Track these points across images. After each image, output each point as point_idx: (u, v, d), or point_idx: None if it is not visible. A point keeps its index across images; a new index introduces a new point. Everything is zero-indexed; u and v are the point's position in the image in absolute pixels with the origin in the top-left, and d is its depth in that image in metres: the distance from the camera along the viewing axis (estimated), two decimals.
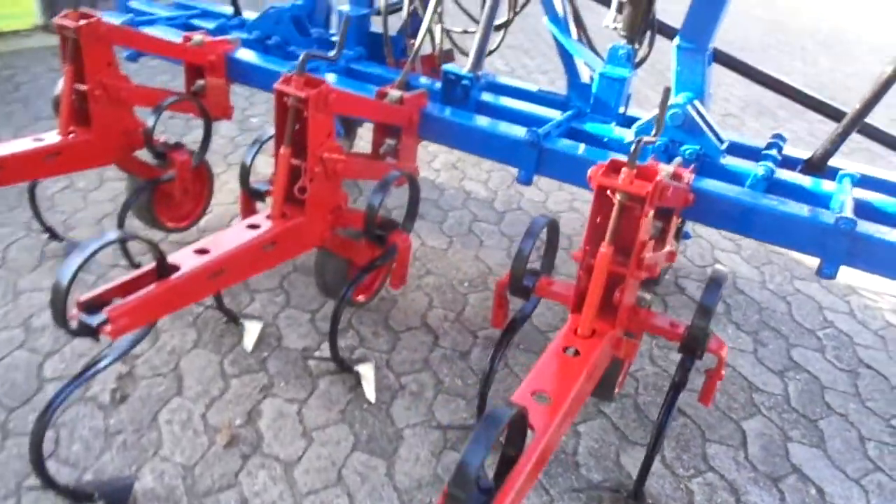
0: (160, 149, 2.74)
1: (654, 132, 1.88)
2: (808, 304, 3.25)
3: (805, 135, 5.75)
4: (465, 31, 3.45)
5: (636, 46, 2.73)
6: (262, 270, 2.22)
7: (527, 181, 2.55)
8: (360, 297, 2.82)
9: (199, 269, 1.89)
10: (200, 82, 3.02)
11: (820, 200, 2.38)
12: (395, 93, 2.60)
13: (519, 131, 2.54)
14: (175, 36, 3.05)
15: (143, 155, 2.82)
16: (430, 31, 2.98)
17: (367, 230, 2.30)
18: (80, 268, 1.59)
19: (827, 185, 2.41)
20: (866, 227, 2.07)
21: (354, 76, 3.12)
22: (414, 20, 3.16)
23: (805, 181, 2.43)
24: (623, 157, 1.82)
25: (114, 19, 3.19)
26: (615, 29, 2.75)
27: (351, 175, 2.45)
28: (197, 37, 2.94)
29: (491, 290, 3.10)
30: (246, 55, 3.07)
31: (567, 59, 2.97)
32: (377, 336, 2.73)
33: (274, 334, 2.68)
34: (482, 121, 2.64)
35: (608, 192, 1.77)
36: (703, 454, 2.33)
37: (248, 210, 2.54)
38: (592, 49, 2.96)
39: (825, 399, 2.65)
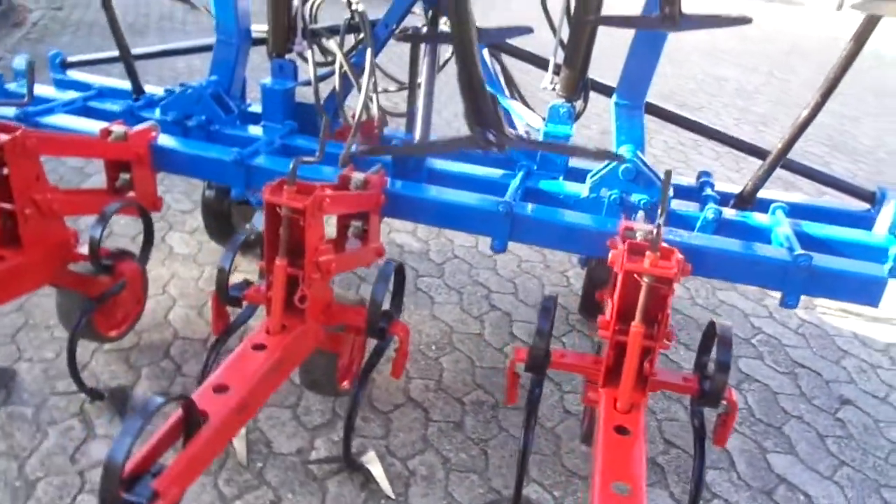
0: (107, 261, 2.50)
1: (660, 214, 2.00)
2: (734, 314, 3.59)
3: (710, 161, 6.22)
4: (402, 88, 3.44)
5: (574, 105, 2.87)
6: (274, 391, 2.10)
7: (501, 249, 2.61)
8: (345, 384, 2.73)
9: (229, 413, 1.75)
10: (125, 177, 2.78)
11: (762, 235, 2.66)
12: (358, 176, 2.55)
13: (487, 201, 2.59)
14: (89, 125, 2.79)
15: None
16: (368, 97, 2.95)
17: (369, 328, 2.25)
18: (132, 444, 1.43)
19: (762, 218, 2.70)
20: (820, 259, 2.34)
21: (293, 154, 2.99)
22: (345, 84, 3.11)
23: (746, 217, 2.70)
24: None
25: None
26: (553, 89, 2.88)
27: (338, 270, 2.38)
28: (117, 129, 2.70)
29: (458, 349, 3.13)
30: (171, 142, 2.87)
31: (506, 119, 3.06)
32: (368, 421, 2.66)
33: (261, 440, 2.53)
34: (448, 194, 2.65)
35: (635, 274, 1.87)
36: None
37: (222, 319, 2.39)
38: (528, 106, 3.08)
39: (780, 405, 2.95)
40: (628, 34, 2.65)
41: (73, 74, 3.60)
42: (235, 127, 3.10)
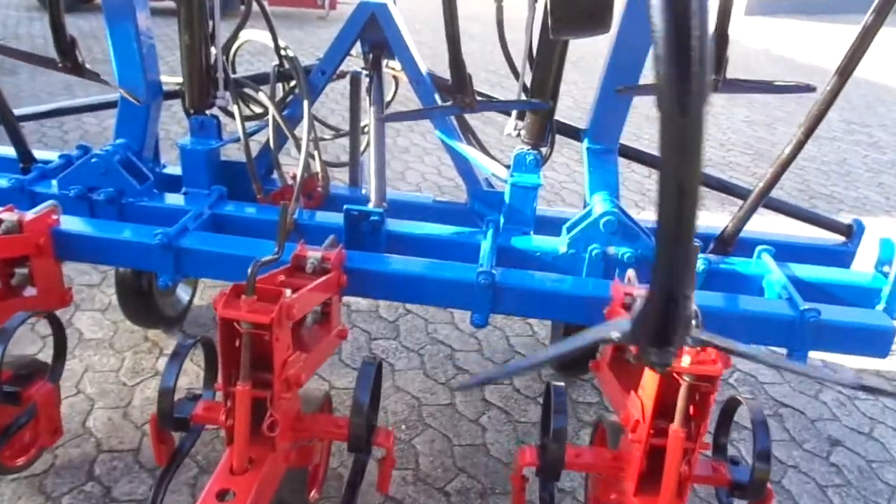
0: (10, 388, 2.02)
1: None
2: None
3: None
4: (338, 135, 3.09)
5: (541, 150, 2.63)
6: None
7: (483, 324, 2.31)
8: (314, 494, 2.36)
9: None
10: (21, 272, 2.29)
11: (752, 283, 2.50)
12: (313, 255, 2.19)
13: (463, 270, 2.29)
14: None
15: None
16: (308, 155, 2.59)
17: (352, 444, 1.90)
18: None
19: (750, 265, 2.54)
20: (828, 312, 2.19)
21: (226, 226, 2.60)
22: (280, 138, 2.73)
23: (735, 265, 2.53)
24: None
25: None
26: (518, 135, 2.63)
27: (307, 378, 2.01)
28: (7, 218, 2.21)
29: (431, 426, 2.81)
30: (77, 225, 2.41)
31: (463, 167, 2.79)
32: None
33: None
34: (418, 265, 2.34)
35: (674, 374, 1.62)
36: None
37: (166, 445, 1.97)
38: (488, 154, 2.80)
39: (774, 453, 2.81)
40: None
41: None
42: (153, 197, 2.65)
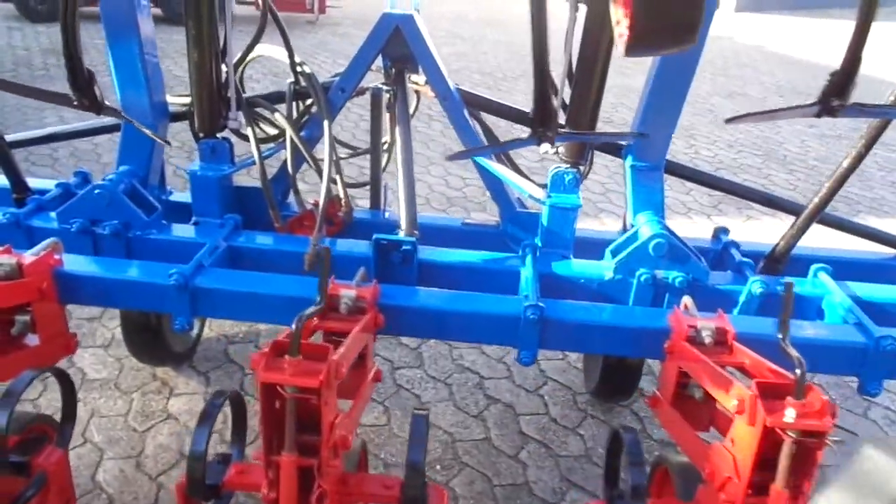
0: (18, 457, 1.80)
1: (782, 338, 1.60)
2: None
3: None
4: (355, 154, 2.89)
5: (580, 169, 2.45)
6: None
7: (531, 362, 2.13)
8: None
9: None
10: (22, 319, 2.08)
11: (811, 304, 2.34)
12: (347, 293, 1.99)
13: (509, 304, 2.11)
14: None
15: None
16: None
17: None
18: None
19: (808, 286, 2.38)
20: None
21: (244, 259, 2.39)
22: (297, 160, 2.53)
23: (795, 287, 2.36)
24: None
25: None
26: (556, 153, 2.44)
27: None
28: (6, 260, 2.00)
29: (468, 465, 2.63)
30: (82, 265, 2.20)
31: (495, 188, 2.60)
32: None
33: None
34: (460, 301, 2.15)
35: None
36: None
37: None
38: (522, 174, 2.62)
39: None
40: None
41: None
42: (162, 230, 2.44)
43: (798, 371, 1.46)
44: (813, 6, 18.82)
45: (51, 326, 2.12)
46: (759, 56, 12.20)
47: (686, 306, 2.09)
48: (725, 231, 2.70)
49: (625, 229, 2.69)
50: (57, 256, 2.14)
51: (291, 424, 1.46)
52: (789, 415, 1.41)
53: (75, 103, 2.15)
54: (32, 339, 2.12)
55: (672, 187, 5.48)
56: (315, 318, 1.87)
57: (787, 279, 2.42)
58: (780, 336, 1.62)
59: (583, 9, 2.22)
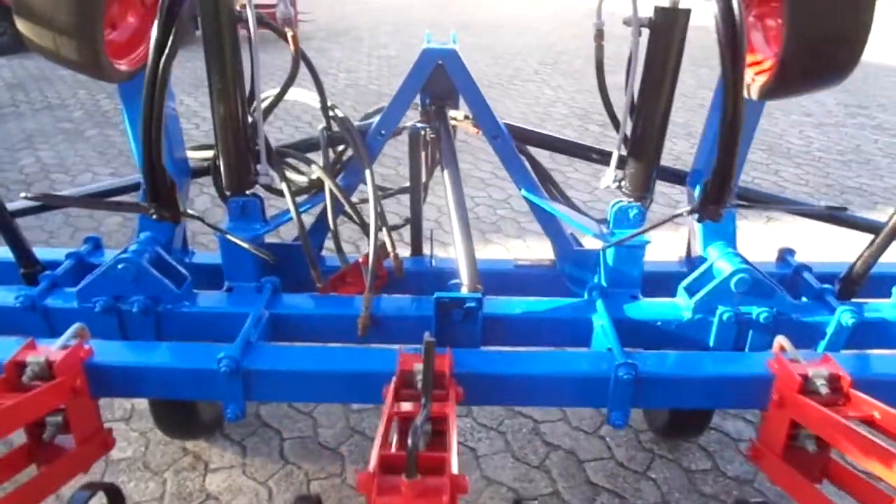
0: None
1: None
2: None
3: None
4: (387, 194, 2.68)
5: (645, 203, 2.27)
6: None
7: (623, 424, 1.94)
8: None
9: None
10: (55, 420, 1.84)
11: None
12: (420, 365, 1.78)
13: (594, 362, 1.93)
14: None
15: None
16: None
17: None
18: None
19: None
20: None
21: (289, 328, 2.17)
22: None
23: (880, 311, 2.22)
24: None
25: None
26: (618, 187, 2.27)
27: None
28: (34, 359, 1.76)
29: None
30: (114, 354, 1.96)
31: (550, 225, 2.42)
32: None
33: None
34: (537, 361, 1.96)
35: None
36: None
37: None
38: (578, 210, 2.44)
39: None
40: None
41: None
42: (194, 301, 2.21)
43: None
44: None
45: (86, 426, 1.90)
46: None
47: (782, 347, 1.93)
48: (791, 252, 2.55)
49: (688, 259, 2.54)
50: (86, 346, 1.91)
51: None
52: None
53: (153, 215, 1.96)
54: (64, 440, 1.90)
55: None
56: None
57: (872, 301, 2.31)
58: None
59: (645, 32, 2.06)
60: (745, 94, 1.77)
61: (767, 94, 1.34)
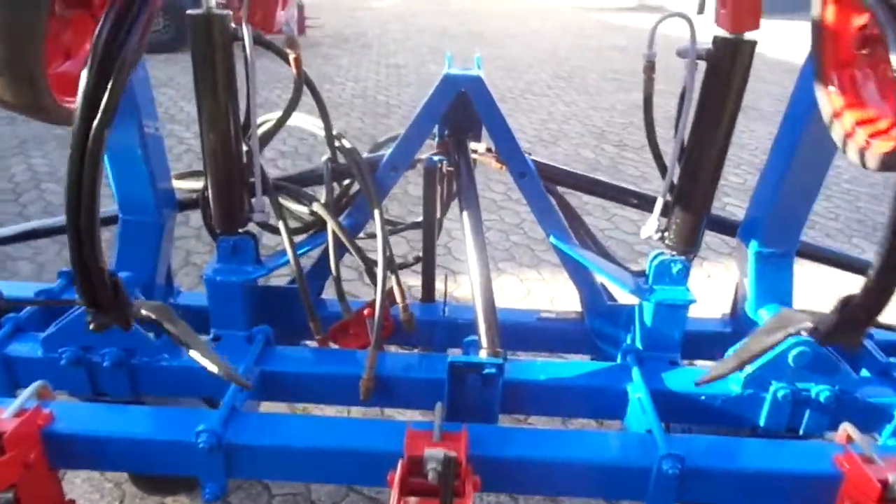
0: None
1: None
2: None
3: None
4: (396, 230, 2.41)
5: (689, 258, 2.00)
6: None
7: None
8: None
9: None
10: (5, 497, 1.58)
11: None
12: (434, 454, 1.51)
13: (637, 451, 1.65)
14: None
15: None
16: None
17: None
18: None
19: None
20: None
21: (283, 386, 1.91)
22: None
23: None
24: None
25: None
26: (661, 239, 2.00)
27: None
28: None
29: None
30: (77, 421, 1.69)
31: (581, 276, 2.15)
32: None
33: None
34: (568, 443, 1.69)
35: None
36: None
37: None
38: (614, 261, 2.17)
39: None
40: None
41: None
42: (174, 354, 1.93)
43: None
44: (808, 8, 18.59)
45: (43, 501, 1.63)
46: (762, 65, 11.89)
47: (849, 437, 1.66)
48: None
49: (733, 318, 2.27)
50: (46, 410, 1.65)
51: None
52: None
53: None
54: None
55: None
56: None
57: None
58: None
59: (702, 65, 1.80)
60: (856, 160, 1.50)
61: (885, 165, 1.09)
